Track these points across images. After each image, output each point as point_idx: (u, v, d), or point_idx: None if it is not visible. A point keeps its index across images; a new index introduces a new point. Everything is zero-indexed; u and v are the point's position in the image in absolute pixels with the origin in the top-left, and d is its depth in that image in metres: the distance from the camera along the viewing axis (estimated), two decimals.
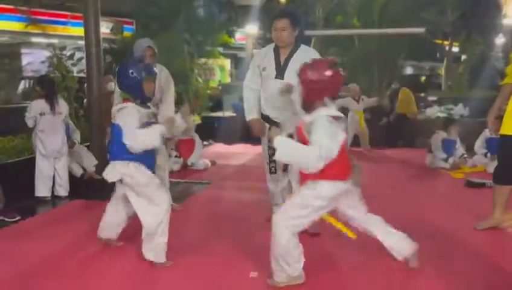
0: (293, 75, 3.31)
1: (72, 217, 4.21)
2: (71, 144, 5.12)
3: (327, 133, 2.51)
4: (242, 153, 7.67)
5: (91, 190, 4.97)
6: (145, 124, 2.92)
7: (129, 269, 3.01)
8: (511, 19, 12.66)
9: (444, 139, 6.34)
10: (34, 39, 12.33)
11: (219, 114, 9.94)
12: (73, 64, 6.67)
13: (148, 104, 3.11)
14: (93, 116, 5.23)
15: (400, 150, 7.82)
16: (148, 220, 2.95)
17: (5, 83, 11.56)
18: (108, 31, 10.06)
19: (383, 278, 2.87)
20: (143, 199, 2.99)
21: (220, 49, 11.89)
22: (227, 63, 17.02)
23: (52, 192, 4.84)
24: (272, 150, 3.33)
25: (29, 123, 4.76)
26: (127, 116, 2.91)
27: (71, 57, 6.73)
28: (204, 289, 2.75)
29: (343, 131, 2.64)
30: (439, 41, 17.10)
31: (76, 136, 5.30)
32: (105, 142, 5.19)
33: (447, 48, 16.26)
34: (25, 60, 12.80)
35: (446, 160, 6.28)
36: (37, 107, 4.71)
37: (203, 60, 11.05)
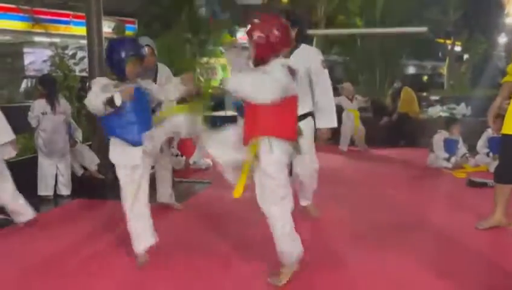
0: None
1: (74, 216, 4.22)
2: (73, 143, 5.13)
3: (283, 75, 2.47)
4: None
5: (93, 189, 4.98)
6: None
7: (131, 268, 3.01)
8: None
9: (446, 139, 6.33)
10: (36, 38, 12.34)
11: (221, 113, 9.95)
12: (76, 64, 6.67)
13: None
14: (95, 115, 5.23)
15: (401, 150, 7.81)
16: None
17: (7, 82, 11.60)
18: (110, 30, 10.07)
19: (383, 277, 2.87)
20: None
21: (222, 49, 11.86)
22: None
23: (55, 191, 4.86)
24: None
25: (33, 123, 4.77)
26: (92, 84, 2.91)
27: (73, 56, 6.74)
28: (206, 289, 2.76)
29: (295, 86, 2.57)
30: (442, 41, 17.06)
31: (78, 135, 5.31)
32: (107, 141, 5.20)
33: (449, 47, 16.23)
34: (27, 59, 12.84)
35: (448, 159, 6.27)
36: (39, 106, 4.73)
37: (205, 59, 11.05)
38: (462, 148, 6.39)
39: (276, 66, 2.49)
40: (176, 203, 4.37)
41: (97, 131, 5.30)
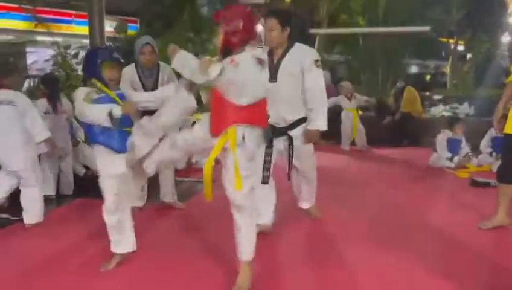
0: (286, 75, 3.25)
1: (77, 215, 4.22)
2: (75, 143, 5.13)
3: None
4: None
5: (95, 188, 4.97)
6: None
7: (133, 268, 3.01)
8: None
9: (449, 138, 6.32)
10: (39, 38, 12.35)
11: None
12: (78, 63, 6.69)
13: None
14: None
15: (404, 149, 7.79)
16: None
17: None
18: (112, 29, 10.07)
19: (385, 277, 2.85)
20: None
21: None
22: None
23: (57, 191, 4.86)
24: (268, 157, 3.25)
25: None
26: (76, 95, 2.87)
27: (76, 55, 6.75)
28: (208, 289, 2.75)
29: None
30: (445, 40, 17.01)
31: (80, 135, 5.31)
32: None
33: (452, 46, 16.18)
34: (29, 59, 12.84)
35: (451, 159, 6.25)
36: (41, 106, 4.72)
37: (207, 58, 11.04)
38: (465, 148, 6.37)
39: (246, 58, 2.46)
40: (179, 203, 4.36)
41: None
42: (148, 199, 4.23)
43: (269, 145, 3.25)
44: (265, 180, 3.31)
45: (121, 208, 2.93)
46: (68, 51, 6.62)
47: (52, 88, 4.82)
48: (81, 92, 2.85)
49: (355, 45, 12.43)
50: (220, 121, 2.51)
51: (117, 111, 2.71)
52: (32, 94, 5.32)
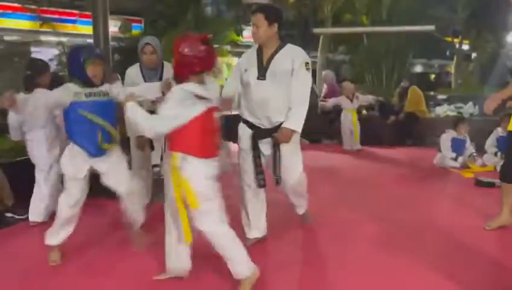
0: (276, 75, 3.13)
1: (80, 215, 4.22)
2: None
3: (171, 108, 2.46)
4: None
5: (99, 187, 4.98)
6: (82, 104, 2.89)
7: (136, 267, 3.01)
8: None
9: (453, 138, 6.29)
10: (44, 38, 12.41)
11: (226, 112, 9.93)
12: None
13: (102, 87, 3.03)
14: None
15: (408, 149, 7.77)
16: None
17: (15, 81, 11.67)
18: (116, 29, 10.11)
19: (389, 277, 2.85)
20: None
21: (228, 47, 11.88)
22: (234, 61, 17.01)
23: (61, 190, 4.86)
24: (258, 160, 3.17)
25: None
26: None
27: None
28: (211, 289, 2.75)
29: (206, 108, 2.52)
30: (449, 39, 16.96)
31: None
32: None
33: (457, 45, 16.12)
34: None
35: (455, 159, 6.23)
36: None
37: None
38: (469, 148, 6.34)
39: (176, 92, 2.47)
40: None
41: None
42: (152, 197, 4.23)
43: (255, 148, 3.20)
44: (260, 184, 3.20)
45: (79, 204, 3.05)
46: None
47: (56, 87, 4.82)
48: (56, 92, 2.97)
49: (359, 44, 12.40)
50: (169, 143, 2.62)
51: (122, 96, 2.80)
52: None
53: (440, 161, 6.34)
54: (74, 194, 3.00)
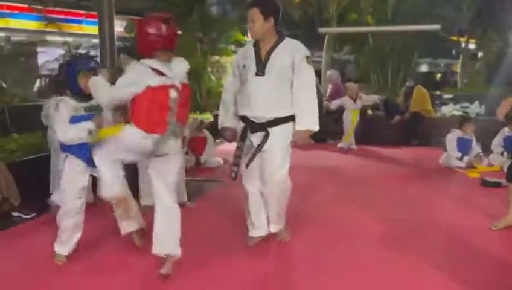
0: (275, 70, 3.05)
1: (87, 214, 4.23)
2: None
3: (128, 77, 2.63)
4: None
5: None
6: (82, 118, 2.95)
7: (141, 267, 3.03)
8: None
9: (459, 138, 6.27)
10: (50, 38, 12.48)
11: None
12: None
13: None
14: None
15: (414, 149, 7.75)
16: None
17: (22, 81, 11.76)
18: (122, 29, 10.13)
19: (394, 277, 2.85)
20: None
21: (233, 47, 11.89)
22: None
23: None
24: (239, 151, 3.14)
25: (45, 121, 4.81)
26: (58, 111, 2.99)
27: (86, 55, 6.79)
28: (218, 288, 2.76)
29: (162, 83, 2.61)
30: (455, 38, 16.86)
31: None
32: None
33: (463, 44, 16.03)
34: (41, 59, 12.97)
35: (461, 159, 6.21)
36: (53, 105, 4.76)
37: (216, 57, 11.06)
38: (475, 148, 6.31)
39: (135, 65, 2.65)
40: (188, 202, 4.38)
41: None
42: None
43: (242, 139, 3.15)
44: (232, 177, 3.13)
45: (81, 211, 3.13)
46: (78, 51, 6.68)
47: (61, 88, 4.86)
48: (64, 111, 2.98)
49: (364, 44, 12.37)
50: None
51: (91, 126, 2.89)
52: (43, 93, 5.36)
53: (446, 160, 6.32)
54: (74, 207, 3.10)
